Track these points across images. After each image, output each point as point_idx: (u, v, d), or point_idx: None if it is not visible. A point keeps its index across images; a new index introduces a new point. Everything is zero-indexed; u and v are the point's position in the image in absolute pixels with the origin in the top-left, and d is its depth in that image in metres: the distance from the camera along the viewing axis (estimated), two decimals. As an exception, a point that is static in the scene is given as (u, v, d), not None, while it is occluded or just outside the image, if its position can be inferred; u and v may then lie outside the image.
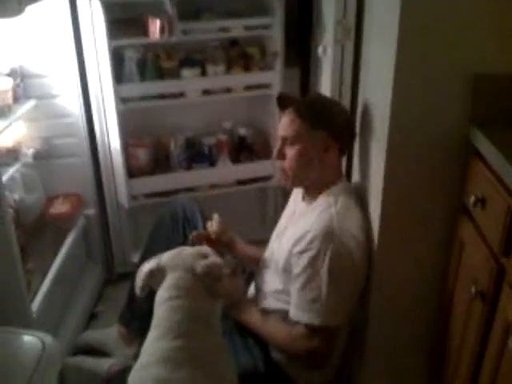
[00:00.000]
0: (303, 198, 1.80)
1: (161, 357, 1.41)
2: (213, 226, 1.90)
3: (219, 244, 1.87)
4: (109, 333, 2.14)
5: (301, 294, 1.61)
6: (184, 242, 1.97)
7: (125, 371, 1.72)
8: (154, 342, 1.46)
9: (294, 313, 1.63)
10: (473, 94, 1.54)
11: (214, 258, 1.55)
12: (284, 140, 1.72)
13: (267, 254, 1.86)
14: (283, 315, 1.69)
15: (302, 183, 1.78)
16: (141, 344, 1.50)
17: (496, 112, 1.54)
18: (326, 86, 2.16)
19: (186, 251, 1.59)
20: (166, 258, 1.56)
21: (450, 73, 1.53)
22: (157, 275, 1.52)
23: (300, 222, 1.71)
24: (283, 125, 1.73)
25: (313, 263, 1.58)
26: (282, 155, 1.73)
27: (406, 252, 1.72)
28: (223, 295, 1.57)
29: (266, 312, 1.75)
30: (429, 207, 1.68)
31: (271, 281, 1.77)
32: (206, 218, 1.99)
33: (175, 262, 1.54)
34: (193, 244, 1.82)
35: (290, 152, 1.70)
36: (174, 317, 1.46)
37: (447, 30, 1.49)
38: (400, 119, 1.57)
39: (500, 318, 1.40)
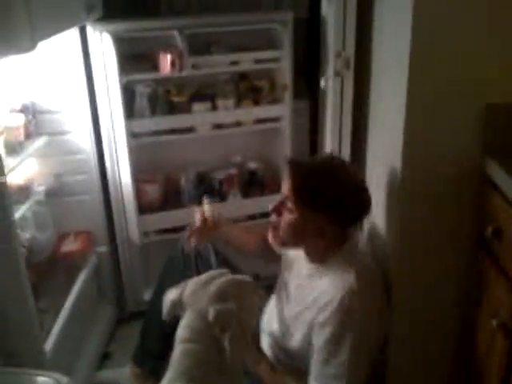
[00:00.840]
0: (308, 260, 1.69)
1: None
2: (206, 211, 1.90)
3: (216, 227, 1.90)
4: (123, 372, 2.11)
5: (322, 368, 1.57)
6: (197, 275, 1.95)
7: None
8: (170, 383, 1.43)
9: (318, 379, 1.59)
10: (485, 124, 1.54)
11: (230, 306, 1.48)
12: (285, 199, 1.60)
13: (284, 311, 1.76)
14: (297, 373, 1.66)
15: (293, 248, 1.70)
16: (155, 384, 1.48)
17: (509, 141, 1.53)
18: (328, 117, 2.16)
19: (211, 288, 1.52)
20: (189, 289, 1.53)
21: (462, 103, 1.53)
22: (178, 307, 1.50)
23: (314, 284, 1.63)
24: (284, 186, 1.61)
25: (335, 339, 1.53)
26: (278, 212, 1.62)
27: (424, 288, 1.70)
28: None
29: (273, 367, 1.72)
30: (445, 241, 1.66)
31: (287, 337, 1.71)
32: (219, 252, 1.98)
33: (194, 298, 1.50)
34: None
35: (286, 215, 1.59)
36: (185, 361, 1.43)
37: (458, 61, 1.49)
38: (412, 152, 1.56)
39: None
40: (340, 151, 2.11)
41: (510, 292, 1.41)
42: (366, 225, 1.92)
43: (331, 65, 2.02)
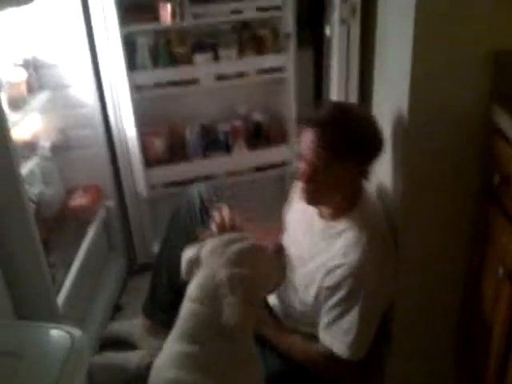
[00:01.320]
0: (320, 215, 1.70)
1: (175, 362, 1.40)
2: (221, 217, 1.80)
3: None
4: (135, 324, 2.15)
5: (332, 324, 1.58)
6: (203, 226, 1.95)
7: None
8: (172, 344, 1.44)
9: (324, 338, 1.61)
10: (492, 71, 1.51)
11: (245, 272, 1.45)
12: (310, 163, 1.56)
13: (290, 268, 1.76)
14: (305, 336, 1.69)
15: (323, 205, 1.67)
16: (167, 335, 1.49)
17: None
18: (334, 67, 2.13)
19: (231, 249, 1.49)
20: (207, 248, 1.51)
21: (469, 50, 1.50)
22: (194, 264, 1.50)
23: (326, 245, 1.63)
24: (307, 148, 1.55)
25: (346, 301, 1.54)
26: (312, 179, 1.57)
27: (431, 234, 1.70)
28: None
29: (286, 329, 1.74)
30: (451, 189, 1.66)
31: (297, 300, 1.71)
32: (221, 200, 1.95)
33: (211, 258, 1.48)
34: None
35: (319, 178, 1.56)
36: (191, 322, 1.43)
37: (467, 7, 1.45)
38: (419, 97, 1.54)
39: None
40: (347, 100, 2.09)
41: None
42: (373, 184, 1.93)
43: (337, 12, 1.98)
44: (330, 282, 1.56)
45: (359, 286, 1.53)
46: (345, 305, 1.55)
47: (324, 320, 1.61)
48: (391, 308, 1.77)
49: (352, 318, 1.55)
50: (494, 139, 1.51)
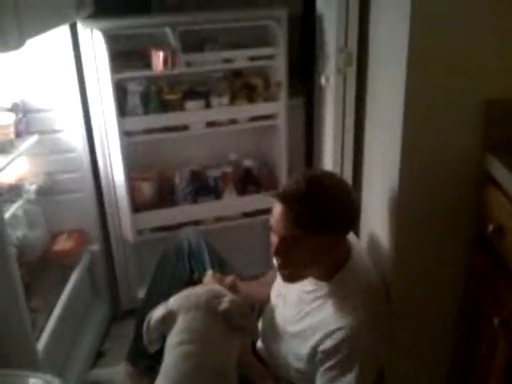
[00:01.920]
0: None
1: None
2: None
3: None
4: (117, 371, 2.09)
5: None
6: (191, 276, 1.94)
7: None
8: None
9: None
10: (486, 121, 1.53)
11: (233, 297, 1.49)
12: (284, 237, 1.51)
13: (276, 322, 1.75)
14: None
15: (305, 278, 1.64)
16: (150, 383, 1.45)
17: (510, 138, 1.53)
18: (329, 116, 2.14)
19: (198, 291, 1.52)
20: (175, 300, 1.49)
21: (461, 99, 1.52)
22: (167, 320, 1.45)
23: (319, 309, 1.60)
24: (278, 222, 1.51)
25: (343, 364, 1.52)
26: (281, 253, 1.54)
27: (423, 285, 1.69)
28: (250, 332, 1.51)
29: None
30: (445, 237, 1.65)
31: (287, 354, 1.69)
32: (213, 251, 1.96)
33: (187, 303, 1.47)
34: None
35: (294, 253, 1.52)
36: (181, 366, 1.39)
37: (458, 57, 1.48)
38: (411, 148, 1.55)
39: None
40: (342, 150, 2.10)
41: (511, 288, 1.40)
42: (365, 234, 1.92)
43: (332, 62, 1.99)
44: (327, 345, 1.53)
45: (356, 349, 1.50)
46: (341, 368, 1.52)
47: (319, 379, 1.57)
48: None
49: (348, 381, 1.51)
50: (486, 188, 1.52)
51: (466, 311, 1.68)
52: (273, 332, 1.75)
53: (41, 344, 1.84)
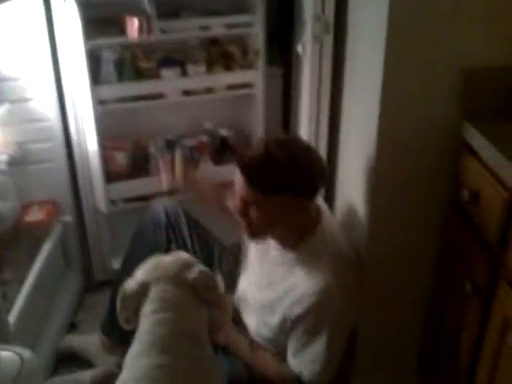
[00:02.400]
0: (276, 242, 1.67)
1: (143, 375, 1.34)
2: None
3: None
4: (91, 340, 2.08)
5: (300, 352, 1.59)
6: (168, 246, 1.92)
7: (108, 380, 1.66)
8: (137, 358, 1.38)
9: (293, 363, 1.61)
10: (463, 88, 1.53)
11: (201, 267, 1.48)
12: (243, 201, 1.56)
13: (248, 294, 1.77)
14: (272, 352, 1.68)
15: (270, 237, 1.66)
16: (123, 353, 1.43)
17: (486, 105, 1.54)
18: (305, 85, 2.11)
19: (166, 260, 1.51)
20: (144, 271, 1.48)
21: (439, 67, 1.52)
22: (140, 291, 1.44)
23: (287, 273, 1.61)
24: (238, 185, 1.55)
25: (312, 329, 1.55)
26: (245, 213, 1.57)
27: (397, 251, 1.71)
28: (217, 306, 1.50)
29: (253, 343, 1.72)
30: (420, 205, 1.67)
31: (259, 326, 1.72)
32: (192, 221, 1.95)
33: (156, 273, 1.46)
34: None
35: (255, 213, 1.55)
36: (157, 331, 1.39)
37: (436, 25, 1.47)
38: (389, 115, 1.56)
39: (497, 314, 1.38)
40: (318, 118, 2.08)
41: (484, 254, 1.41)
42: (341, 202, 1.91)
43: (309, 29, 1.96)
44: (296, 311, 1.55)
45: (325, 313, 1.52)
46: (312, 333, 1.55)
47: (291, 347, 1.60)
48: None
49: (319, 346, 1.55)
50: (463, 155, 1.52)
51: (439, 277, 1.70)
52: (245, 303, 1.77)
53: (12, 317, 1.82)
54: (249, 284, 1.78)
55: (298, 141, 1.64)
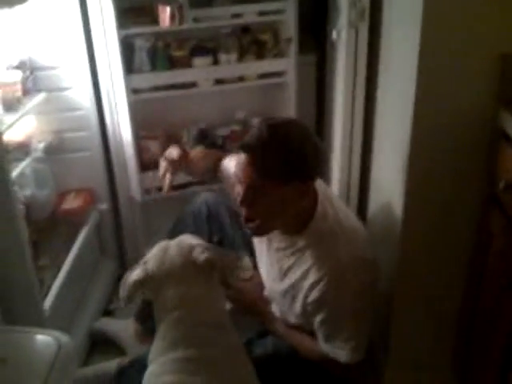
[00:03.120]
0: (279, 232, 1.63)
1: (175, 368, 1.37)
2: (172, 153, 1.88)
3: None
4: (124, 326, 2.12)
5: (330, 337, 1.58)
6: (210, 239, 1.92)
7: (133, 364, 1.69)
8: (165, 353, 1.41)
9: (327, 349, 1.60)
10: (499, 75, 1.48)
11: (205, 244, 1.49)
12: (247, 188, 1.48)
13: (268, 287, 1.76)
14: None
15: (276, 229, 1.61)
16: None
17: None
18: (340, 72, 2.08)
19: (172, 250, 1.49)
20: (152, 263, 1.48)
21: (476, 52, 1.48)
22: (149, 285, 1.46)
23: (298, 262, 1.58)
24: (243, 172, 1.48)
25: (335, 311, 1.53)
26: (249, 203, 1.50)
27: (431, 244, 1.68)
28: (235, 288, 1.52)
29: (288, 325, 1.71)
30: (455, 196, 1.63)
31: (284, 314, 1.71)
32: (235, 215, 1.90)
33: (165, 268, 1.46)
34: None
35: (261, 200, 1.48)
36: (180, 327, 1.41)
37: (473, 11, 1.43)
38: (424, 104, 1.53)
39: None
40: (353, 105, 2.05)
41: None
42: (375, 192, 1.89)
43: (345, 15, 1.93)
44: (313, 296, 1.53)
45: (343, 293, 1.50)
46: (335, 316, 1.54)
47: (320, 334, 1.59)
48: (388, 318, 1.73)
49: (347, 325, 1.54)
50: (499, 144, 1.48)
51: (474, 271, 1.66)
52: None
53: (47, 302, 1.86)
54: (265, 277, 1.76)
55: (296, 124, 1.55)
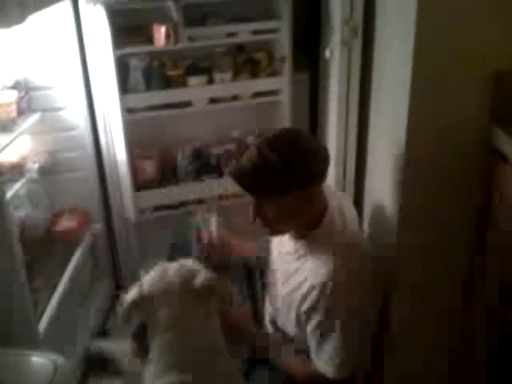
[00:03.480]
0: (290, 237, 1.66)
1: None
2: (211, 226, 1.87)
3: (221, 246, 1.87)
4: (120, 347, 2.11)
5: (319, 349, 1.57)
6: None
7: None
8: (160, 376, 1.39)
9: (316, 362, 1.59)
10: (492, 92, 1.49)
11: (206, 272, 1.47)
12: (251, 206, 1.55)
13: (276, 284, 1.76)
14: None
15: (287, 232, 1.65)
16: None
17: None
18: (334, 90, 2.10)
19: (171, 272, 1.48)
20: (149, 284, 1.46)
21: (469, 69, 1.49)
22: (144, 305, 1.44)
23: (300, 265, 1.60)
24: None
25: (324, 322, 1.52)
26: (258, 215, 1.55)
27: (427, 253, 1.67)
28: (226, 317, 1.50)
29: (279, 340, 1.71)
30: (449, 212, 1.62)
31: (283, 324, 1.71)
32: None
33: (162, 288, 1.45)
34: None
35: (267, 213, 1.53)
36: (175, 349, 1.39)
37: (466, 27, 1.44)
38: (418, 120, 1.53)
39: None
40: (347, 123, 2.07)
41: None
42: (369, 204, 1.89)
43: (337, 34, 1.95)
44: (306, 305, 1.54)
45: (333, 305, 1.50)
46: (324, 326, 1.53)
47: (311, 345, 1.59)
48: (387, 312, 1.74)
49: (334, 339, 1.53)
50: (493, 160, 1.48)
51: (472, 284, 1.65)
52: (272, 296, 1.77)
53: (42, 324, 1.84)
54: (274, 276, 1.77)
55: (289, 134, 1.55)
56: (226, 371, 1.42)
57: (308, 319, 1.55)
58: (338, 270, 1.49)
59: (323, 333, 1.53)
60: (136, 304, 1.44)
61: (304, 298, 1.53)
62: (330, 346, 1.53)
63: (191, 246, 1.96)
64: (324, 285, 1.48)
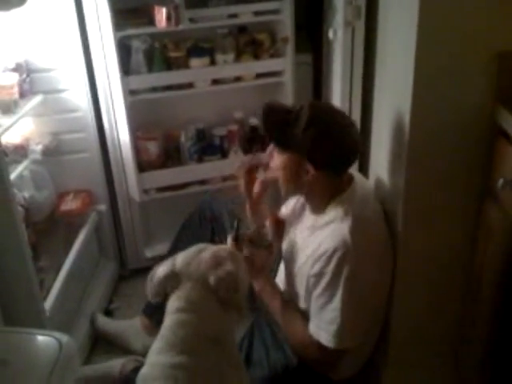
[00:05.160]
0: (309, 211, 1.71)
1: (161, 373, 1.37)
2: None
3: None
4: (127, 325, 2.14)
5: (319, 314, 1.58)
6: (212, 238, 1.99)
7: (137, 371, 1.69)
8: (157, 355, 1.41)
9: (312, 328, 1.61)
10: (497, 72, 1.48)
11: (229, 267, 1.47)
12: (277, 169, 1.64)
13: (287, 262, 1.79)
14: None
15: (296, 194, 1.72)
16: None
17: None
18: (337, 71, 2.10)
19: (203, 255, 1.50)
20: (181, 261, 1.49)
21: (474, 50, 1.48)
22: (172, 280, 1.46)
23: (314, 238, 1.63)
24: (270, 155, 1.66)
25: (330, 286, 1.54)
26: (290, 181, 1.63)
27: (430, 241, 1.67)
28: (238, 306, 1.51)
29: (287, 301, 1.72)
30: (453, 193, 1.63)
31: (291, 295, 1.73)
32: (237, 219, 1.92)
33: (190, 268, 1.47)
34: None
35: (275, 160, 1.63)
36: (179, 332, 1.41)
37: (471, 8, 1.43)
38: (422, 99, 1.52)
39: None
40: (350, 104, 2.07)
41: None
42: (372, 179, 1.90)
43: (341, 14, 1.95)
44: (316, 268, 1.56)
45: (340, 271, 1.52)
46: (328, 292, 1.55)
47: (312, 309, 1.61)
48: (388, 316, 1.74)
49: (335, 305, 1.54)
50: (498, 141, 1.48)
51: (473, 265, 1.66)
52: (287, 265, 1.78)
53: (48, 303, 1.87)
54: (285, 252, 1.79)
55: (338, 122, 1.61)
56: (224, 361, 1.43)
57: (316, 283, 1.56)
58: (351, 239, 1.51)
59: (327, 297, 1.55)
60: (165, 279, 1.46)
61: (315, 261, 1.56)
62: (330, 312, 1.55)
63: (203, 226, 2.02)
64: (335, 249, 1.51)
